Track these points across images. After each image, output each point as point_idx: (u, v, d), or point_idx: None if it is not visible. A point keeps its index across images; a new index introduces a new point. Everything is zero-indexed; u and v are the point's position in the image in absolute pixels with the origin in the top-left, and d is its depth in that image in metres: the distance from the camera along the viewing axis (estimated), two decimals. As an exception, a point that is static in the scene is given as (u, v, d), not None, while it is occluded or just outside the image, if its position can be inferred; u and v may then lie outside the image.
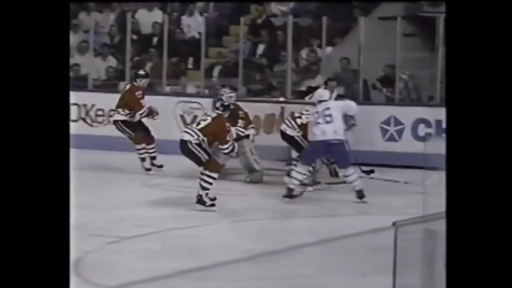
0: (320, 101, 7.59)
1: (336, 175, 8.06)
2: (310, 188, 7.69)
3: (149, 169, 8.66)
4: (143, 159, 8.63)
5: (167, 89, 10.35)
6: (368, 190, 7.47)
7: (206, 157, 6.99)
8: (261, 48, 10.73)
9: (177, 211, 6.98)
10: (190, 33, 11.22)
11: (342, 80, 9.75)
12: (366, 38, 9.46)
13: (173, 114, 9.42)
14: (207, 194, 6.96)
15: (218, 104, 7.25)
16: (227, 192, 7.81)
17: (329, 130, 7.36)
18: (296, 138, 7.91)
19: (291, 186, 7.37)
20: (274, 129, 8.92)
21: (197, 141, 7.00)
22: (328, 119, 7.41)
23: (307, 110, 8.01)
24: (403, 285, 3.57)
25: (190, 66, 10.84)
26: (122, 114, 8.60)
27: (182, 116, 9.85)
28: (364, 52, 9.45)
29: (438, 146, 9.08)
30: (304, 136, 7.80)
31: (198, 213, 6.88)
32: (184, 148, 7.04)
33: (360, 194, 7.37)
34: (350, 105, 7.79)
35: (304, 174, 7.42)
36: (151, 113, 8.64)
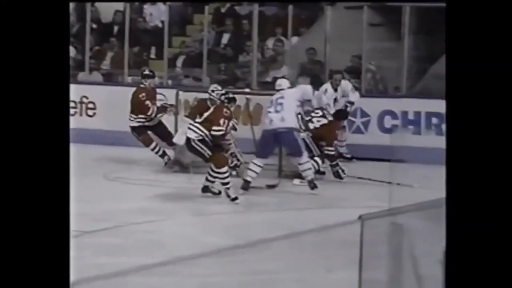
0: (278, 90, 7.60)
1: (339, 177, 7.99)
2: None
3: (166, 164, 8.52)
4: (161, 156, 8.54)
5: (129, 79, 10.23)
6: (333, 183, 7.46)
7: (210, 153, 6.99)
8: (226, 38, 10.65)
9: (138, 204, 6.89)
10: (152, 22, 11.09)
11: (308, 71, 9.73)
12: (332, 28, 9.45)
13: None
14: (212, 186, 7.10)
15: (223, 97, 7.30)
16: (190, 185, 7.75)
17: (276, 119, 7.37)
18: (307, 141, 7.85)
19: (248, 179, 7.37)
20: (239, 121, 8.86)
21: (200, 138, 7.01)
22: (278, 108, 7.43)
23: (316, 113, 8.00)
24: (370, 280, 3.55)
25: (152, 56, 10.72)
26: (132, 120, 8.54)
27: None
28: (330, 42, 9.43)
29: (404, 138, 9.24)
30: (316, 139, 7.80)
31: (160, 207, 6.82)
32: (189, 146, 7.09)
33: (312, 185, 7.36)
34: (305, 91, 7.80)
35: (260, 167, 7.40)
36: (164, 110, 8.54)
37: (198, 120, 7.16)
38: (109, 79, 10.63)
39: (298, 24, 10.08)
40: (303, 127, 7.89)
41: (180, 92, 8.72)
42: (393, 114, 9.04)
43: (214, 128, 7.04)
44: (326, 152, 7.89)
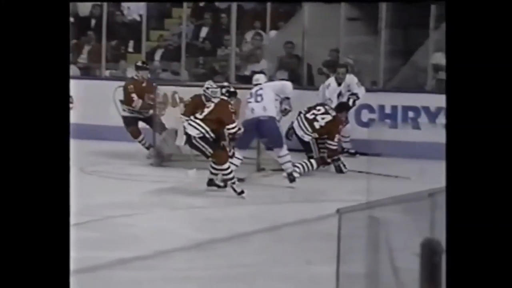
0: (256, 85, 7.62)
1: (341, 171, 8.00)
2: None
3: (150, 157, 8.53)
4: (147, 148, 8.57)
5: (106, 73, 10.17)
6: (312, 176, 7.48)
7: (211, 150, 6.97)
8: (204, 31, 10.61)
9: (116, 198, 6.87)
10: (130, 15, 11.02)
11: (286, 65, 9.73)
12: (310, 22, 9.46)
13: (113, 99, 9.24)
14: (217, 179, 7.13)
15: (224, 91, 7.26)
16: (167, 180, 7.73)
17: (258, 108, 7.38)
18: (311, 142, 7.87)
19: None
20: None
21: (201, 135, 6.97)
22: (258, 98, 7.43)
23: (318, 110, 7.98)
24: (348, 273, 3.57)
25: (130, 49, 10.66)
26: (124, 111, 8.66)
27: (122, 101, 9.70)
28: (308, 36, 9.44)
29: (381, 132, 9.29)
30: (321, 136, 7.80)
31: (137, 201, 6.80)
32: (190, 142, 7.05)
33: (291, 177, 7.38)
34: (284, 85, 7.81)
35: (239, 159, 7.41)
36: (149, 106, 8.54)
37: (199, 116, 7.08)
38: (87, 73, 10.56)
39: (276, 18, 10.07)
40: (309, 129, 7.88)
41: (158, 86, 8.67)
42: (370, 108, 9.08)
43: (228, 127, 7.04)
44: (328, 146, 7.88)
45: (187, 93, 8.81)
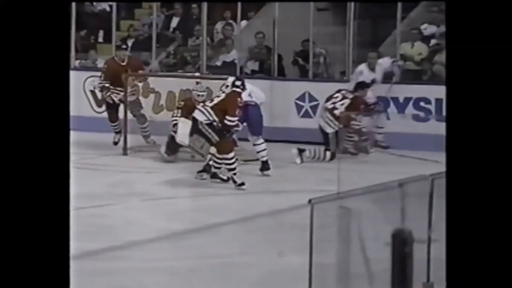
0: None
1: (366, 152, 7.96)
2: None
3: (116, 143, 8.50)
4: (116, 133, 8.56)
5: (76, 63, 10.05)
6: (284, 167, 7.47)
7: (217, 138, 6.94)
8: (175, 22, 10.54)
9: (87, 189, 6.80)
10: (100, 5, 10.89)
11: (257, 56, 9.71)
12: (280, 12, 9.44)
13: (83, 90, 9.14)
14: (220, 172, 7.05)
15: (238, 83, 7.22)
16: (138, 170, 7.69)
17: (244, 94, 7.34)
18: (330, 136, 7.89)
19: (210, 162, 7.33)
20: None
21: (208, 121, 6.95)
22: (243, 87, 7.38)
23: (336, 97, 7.97)
24: (320, 263, 3.58)
25: (100, 39, 10.54)
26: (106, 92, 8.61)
27: (92, 92, 9.60)
28: (278, 27, 9.42)
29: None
30: (344, 123, 7.86)
31: (109, 191, 6.74)
32: (195, 127, 7.02)
33: (266, 166, 7.38)
34: (260, 96, 7.79)
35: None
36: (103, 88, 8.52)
37: (209, 104, 7.07)
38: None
39: (247, 8, 10.04)
40: (331, 118, 7.88)
41: (129, 77, 8.58)
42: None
43: (228, 118, 6.98)
44: (354, 127, 7.91)
45: (157, 83, 8.77)
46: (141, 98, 8.73)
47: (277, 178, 7.39)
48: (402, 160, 7.65)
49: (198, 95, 7.91)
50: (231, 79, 7.82)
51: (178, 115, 7.87)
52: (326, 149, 7.91)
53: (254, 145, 7.52)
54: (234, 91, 7.18)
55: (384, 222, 3.50)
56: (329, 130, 7.96)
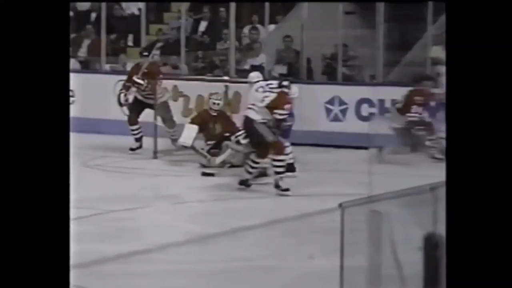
0: (257, 81, 7.58)
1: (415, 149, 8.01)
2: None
3: (133, 150, 8.48)
4: (137, 140, 8.49)
5: (106, 67, 10.10)
6: (311, 171, 7.43)
7: (271, 138, 6.88)
8: (203, 25, 10.55)
9: (115, 192, 6.82)
10: (129, 9, 10.95)
11: (285, 59, 9.67)
12: (308, 16, 9.40)
13: (113, 93, 9.17)
14: (281, 178, 6.86)
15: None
16: (168, 173, 7.68)
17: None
18: (399, 132, 7.93)
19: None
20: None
21: (264, 121, 6.92)
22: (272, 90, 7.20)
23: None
24: (351, 267, 3.53)
25: (130, 43, 10.60)
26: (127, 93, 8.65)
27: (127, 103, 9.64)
28: (306, 30, 9.38)
29: (382, 126, 9.23)
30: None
31: (137, 195, 6.75)
32: (249, 126, 6.94)
33: (291, 168, 7.34)
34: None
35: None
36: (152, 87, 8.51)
37: (260, 104, 7.01)
38: (87, 66, 10.50)
39: (274, 12, 10.02)
40: (397, 114, 7.92)
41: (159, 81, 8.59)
42: (370, 102, 9.03)
43: (279, 111, 6.95)
44: (410, 119, 7.95)
45: (187, 87, 8.76)
46: (170, 102, 8.73)
47: (306, 181, 7.34)
48: (436, 163, 7.53)
49: (214, 103, 7.92)
50: (254, 74, 7.79)
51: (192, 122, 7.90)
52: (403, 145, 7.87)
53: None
54: (283, 91, 7.16)
55: (416, 226, 3.45)
56: (396, 125, 7.94)
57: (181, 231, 5.68)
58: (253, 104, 7.11)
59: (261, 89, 7.42)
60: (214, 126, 8.03)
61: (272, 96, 7.10)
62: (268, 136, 6.90)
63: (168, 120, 8.53)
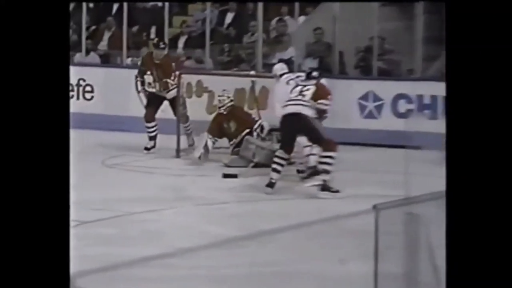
0: (282, 75, 7.60)
1: None
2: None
3: (147, 149, 8.51)
4: (150, 138, 8.51)
5: (128, 61, 10.17)
6: (343, 170, 7.39)
7: (324, 136, 6.87)
8: (229, 17, 10.57)
9: (138, 193, 6.86)
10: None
11: (315, 52, 9.66)
12: (341, 7, 9.37)
13: (135, 88, 9.22)
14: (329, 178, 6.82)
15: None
16: (188, 173, 7.71)
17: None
18: None
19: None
20: (245, 105, 8.80)
21: (316, 116, 6.93)
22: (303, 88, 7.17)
23: None
24: (386, 272, 3.52)
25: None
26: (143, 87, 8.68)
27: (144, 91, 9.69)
28: (339, 22, 9.35)
29: (420, 123, 9.14)
30: None
31: (159, 196, 6.79)
32: (302, 123, 6.85)
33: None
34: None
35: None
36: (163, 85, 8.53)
37: (304, 98, 6.96)
38: (107, 60, 10.57)
39: (304, 3, 10.01)
40: None
41: (182, 75, 8.62)
42: (407, 98, 8.98)
43: (324, 102, 6.97)
44: None
45: (212, 82, 8.79)
46: (194, 97, 8.77)
47: (338, 182, 7.30)
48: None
49: (220, 101, 8.03)
50: (278, 66, 7.78)
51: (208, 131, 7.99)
52: None
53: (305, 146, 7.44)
54: (320, 83, 7.17)
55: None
56: None
57: (205, 234, 5.69)
58: (296, 99, 6.97)
59: (292, 82, 7.38)
60: (228, 125, 8.08)
61: (311, 88, 7.07)
62: (324, 132, 6.88)
63: (182, 115, 8.48)
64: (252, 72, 9.15)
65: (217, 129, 8.06)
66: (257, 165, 7.70)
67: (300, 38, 9.82)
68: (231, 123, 8.07)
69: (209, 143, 8.03)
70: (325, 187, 6.81)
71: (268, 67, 9.54)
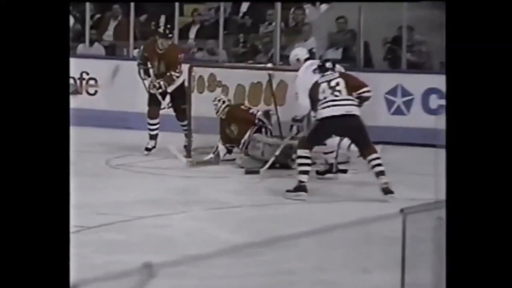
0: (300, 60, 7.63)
1: None
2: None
3: (148, 150, 8.54)
4: (151, 137, 8.51)
5: (135, 52, 10.21)
6: (367, 172, 7.40)
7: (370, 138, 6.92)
8: (245, 6, 10.60)
9: (145, 196, 6.90)
10: (161, -14, 11.07)
11: (338, 43, 9.66)
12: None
13: (138, 75, 9.26)
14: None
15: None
16: (203, 175, 7.74)
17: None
18: None
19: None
20: (261, 101, 8.82)
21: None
22: (332, 83, 7.08)
23: None
24: (413, 282, 3.52)
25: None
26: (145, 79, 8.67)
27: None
28: (364, 10, 9.34)
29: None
30: None
31: (168, 199, 6.83)
32: (355, 124, 6.85)
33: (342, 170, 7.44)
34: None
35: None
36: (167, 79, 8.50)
37: (337, 93, 6.91)
38: (113, 52, 10.62)
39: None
40: None
41: (194, 68, 8.64)
42: (439, 93, 8.96)
43: (365, 89, 6.97)
44: None
45: (225, 75, 8.80)
46: (206, 92, 8.78)
47: (362, 184, 7.32)
48: None
49: (216, 105, 8.11)
50: (300, 51, 7.71)
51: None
52: None
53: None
54: (342, 72, 7.17)
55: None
56: None
57: (217, 240, 5.72)
58: (345, 99, 6.89)
59: (317, 71, 7.23)
60: (230, 129, 8.14)
61: (340, 81, 6.99)
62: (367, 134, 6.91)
63: (180, 111, 8.42)
64: (269, 65, 9.17)
65: (225, 135, 8.15)
66: (276, 161, 7.73)
67: (322, 27, 9.82)
68: (232, 127, 8.14)
69: (221, 148, 8.09)
70: (388, 190, 6.77)
71: (287, 59, 9.56)
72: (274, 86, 8.68)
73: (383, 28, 9.55)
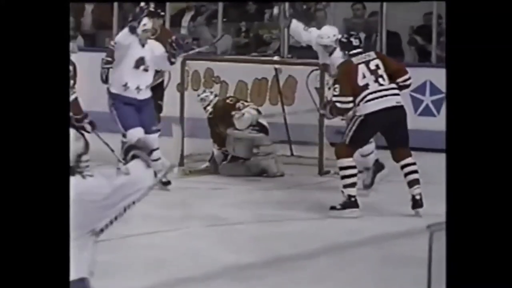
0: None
1: None
2: None
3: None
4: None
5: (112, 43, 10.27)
6: (390, 181, 7.45)
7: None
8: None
9: (133, 211, 6.90)
10: (149, -33, 11.12)
11: (355, 31, 9.76)
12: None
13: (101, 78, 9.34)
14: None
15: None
16: (199, 186, 7.81)
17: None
18: None
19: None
20: (266, 99, 8.91)
21: None
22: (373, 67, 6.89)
23: None
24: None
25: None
26: None
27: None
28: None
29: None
30: None
31: (164, 214, 6.82)
32: (400, 118, 6.83)
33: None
34: None
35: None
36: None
37: (373, 81, 6.74)
38: (92, 42, 10.66)
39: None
40: None
41: (187, 61, 8.70)
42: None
43: (405, 77, 6.87)
44: None
45: (225, 70, 8.86)
46: (202, 89, 8.73)
47: (384, 196, 7.34)
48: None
49: (203, 104, 8.08)
50: (328, 30, 7.62)
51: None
52: None
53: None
54: (377, 52, 7.19)
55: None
56: None
57: (218, 261, 5.76)
58: (388, 88, 6.75)
59: (342, 48, 7.08)
60: (220, 130, 8.11)
61: (375, 58, 6.78)
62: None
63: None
64: (276, 58, 9.19)
65: (218, 138, 8.15)
66: (234, 158, 7.89)
67: (338, 14, 9.88)
68: (221, 128, 8.10)
69: (217, 154, 8.12)
70: (419, 203, 6.75)
71: (296, 51, 9.59)
72: (281, 82, 8.73)
73: (408, 16, 9.61)
